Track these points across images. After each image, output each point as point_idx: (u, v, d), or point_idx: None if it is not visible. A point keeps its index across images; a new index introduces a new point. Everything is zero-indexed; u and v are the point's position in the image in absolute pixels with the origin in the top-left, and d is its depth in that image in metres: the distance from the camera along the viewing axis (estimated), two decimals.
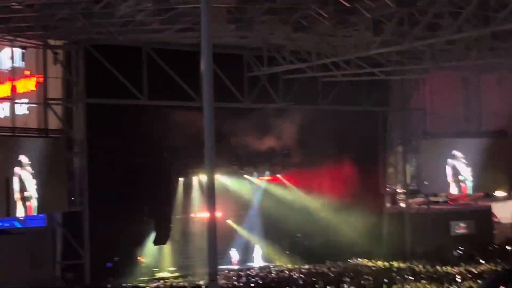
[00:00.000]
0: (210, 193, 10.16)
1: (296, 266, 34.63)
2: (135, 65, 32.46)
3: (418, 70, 34.54)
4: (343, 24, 27.26)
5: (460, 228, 40.66)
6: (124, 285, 30.30)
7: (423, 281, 23.77)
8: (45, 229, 30.74)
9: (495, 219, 42.89)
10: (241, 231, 38.53)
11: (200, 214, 33.92)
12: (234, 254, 36.21)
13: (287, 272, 32.21)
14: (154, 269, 33.99)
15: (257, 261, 36.52)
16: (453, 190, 39.06)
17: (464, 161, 38.75)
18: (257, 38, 33.14)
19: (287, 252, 38.58)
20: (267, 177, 38.52)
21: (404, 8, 24.81)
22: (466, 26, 26.16)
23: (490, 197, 41.75)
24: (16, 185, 28.06)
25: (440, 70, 35.02)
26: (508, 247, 36.51)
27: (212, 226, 10.21)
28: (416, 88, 40.88)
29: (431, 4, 25.27)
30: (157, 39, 30.55)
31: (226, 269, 34.27)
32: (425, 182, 38.27)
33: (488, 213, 41.95)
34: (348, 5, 24.55)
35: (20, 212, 28.73)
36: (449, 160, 38.05)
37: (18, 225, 31.72)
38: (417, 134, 40.33)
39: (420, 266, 31.46)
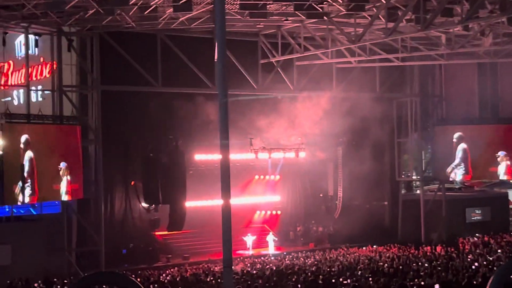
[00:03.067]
0: (224, 177, 10.06)
1: (310, 253, 34.63)
2: (150, 52, 32.47)
3: (434, 56, 34.31)
4: (358, 10, 27.09)
5: (476, 215, 40.53)
6: (139, 272, 30.40)
7: (439, 268, 23.65)
8: (61, 216, 30.86)
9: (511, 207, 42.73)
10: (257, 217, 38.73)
11: (213, 200, 33.93)
12: (249, 240, 36.28)
13: (301, 259, 32.21)
14: (168, 256, 34.09)
15: (271, 247, 36.56)
16: (460, 175, 38.44)
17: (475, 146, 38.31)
18: (271, 25, 33.09)
19: (301, 239, 38.64)
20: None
21: None
22: (481, 12, 25.96)
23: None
24: (31, 172, 28.13)
25: (456, 56, 34.77)
26: None
27: (227, 212, 10.14)
28: (432, 74, 40.65)
29: None
30: (171, 26, 30.49)
31: (241, 254, 34.40)
32: (449, 170, 37.82)
33: (504, 200, 41.76)
34: None
35: (35, 199, 28.86)
36: (462, 145, 37.65)
37: (34, 211, 31.89)
38: (433, 121, 40.13)
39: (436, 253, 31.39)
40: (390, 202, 41.32)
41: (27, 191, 27.87)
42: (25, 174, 27.80)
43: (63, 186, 29.43)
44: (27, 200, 28.24)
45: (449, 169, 37.77)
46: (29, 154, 28.05)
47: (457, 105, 39.96)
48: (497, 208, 40.94)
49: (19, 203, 28.73)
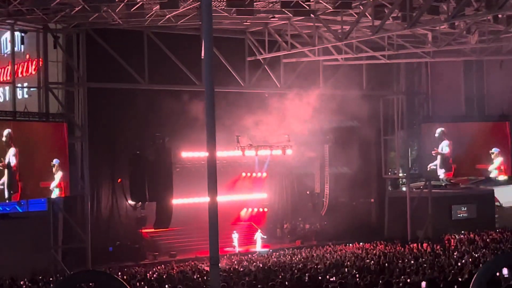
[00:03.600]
0: (211, 174, 10.09)
1: (297, 250, 34.69)
2: (136, 49, 32.40)
3: (420, 54, 34.43)
4: (344, 7, 27.14)
5: (462, 212, 40.70)
6: (125, 269, 30.35)
7: (425, 265, 23.75)
8: (47, 214, 30.75)
9: (497, 204, 42.93)
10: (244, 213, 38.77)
11: (200, 198, 33.89)
12: (236, 238, 36.28)
13: (288, 256, 32.27)
14: (155, 253, 34.05)
15: (258, 245, 36.58)
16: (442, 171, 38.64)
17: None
18: (258, 22, 33.09)
19: (288, 236, 38.70)
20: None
21: None
22: (468, 10, 26.06)
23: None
24: (17, 170, 28.03)
25: (442, 54, 34.89)
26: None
27: (214, 209, 10.15)
28: (418, 72, 40.78)
29: None
30: (158, 23, 30.43)
31: (228, 252, 34.42)
32: (432, 166, 38.05)
33: (490, 197, 41.95)
34: None
35: (17, 197, 28.76)
36: (444, 142, 37.84)
37: (20, 209, 31.74)
38: (419, 118, 40.25)
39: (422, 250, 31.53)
40: (376, 200, 41.45)
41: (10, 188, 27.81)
42: (9, 171, 27.70)
43: (55, 183, 29.33)
44: (7, 196, 28.15)
45: (431, 165, 38.04)
46: (12, 151, 27.92)
47: (443, 102, 40.12)
48: (483, 205, 41.11)
49: (6, 201, 28.66)
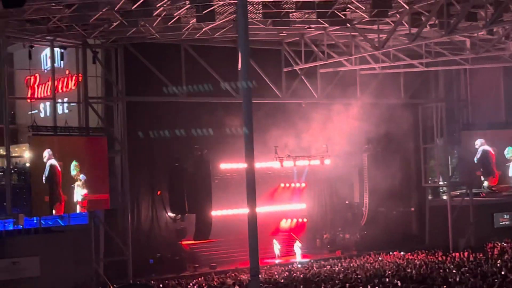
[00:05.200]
0: (250, 185, 10.11)
1: (337, 260, 34.50)
2: (174, 62, 32.65)
3: (459, 61, 34.12)
4: (381, 16, 27.05)
5: (504, 220, 40.13)
6: (166, 281, 30.48)
7: (467, 274, 23.46)
8: (88, 227, 31.07)
9: None
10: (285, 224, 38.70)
11: (239, 209, 33.91)
12: (276, 248, 36.22)
13: (328, 267, 32.10)
14: (195, 265, 34.14)
15: (298, 255, 36.47)
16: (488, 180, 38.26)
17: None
18: (294, 33, 33.14)
19: (328, 246, 38.52)
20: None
21: None
22: (506, 16, 25.80)
23: None
24: (60, 184, 28.38)
25: (480, 60, 34.54)
26: None
27: (253, 220, 10.17)
28: (457, 79, 40.40)
29: None
30: (194, 36, 30.64)
31: (268, 263, 34.37)
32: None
33: None
34: None
35: (63, 210, 29.10)
36: (484, 148, 37.47)
37: (61, 223, 32.14)
38: (459, 125, 39.85)
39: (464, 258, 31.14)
40: (417, 209, 41.07)
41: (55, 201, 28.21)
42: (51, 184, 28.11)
43: (77, 197, 29.38)
44: (54, 211, 28.53)
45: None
46: (51, 162, 28.21)
47: (483, 109, 39.67)
48: None
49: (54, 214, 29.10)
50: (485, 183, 38.29)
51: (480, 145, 37.53)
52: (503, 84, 40.14)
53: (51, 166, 28.16)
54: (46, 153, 28.06)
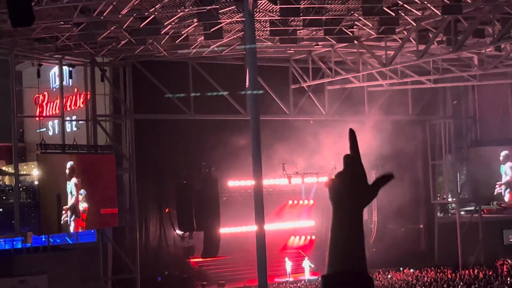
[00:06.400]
0: (258, 203, 10.10)
1: None
2: (182, 80, 32.74)
3: (467, 77, 34.09)
4: (388, 33, 27.09)
5: None
6: None
7: None
8: (96, 245, 31.06)
9: None
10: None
11: (247, 226, 33.83)
12: (288, 265, 36.11)
13: None
14: (203, 283, 34.06)
15: (307, 273, 36.32)
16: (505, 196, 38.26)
17: None
18: (301, 50, 33.20)
19: None
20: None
21: (450, 15, 24.53)
22: None
23: None
24: (68, 202, 28.43)
25: (488, 76, 34.51)
26: None
27: (261, 238, 10.15)
28: (465, 95, 40.35)
29: (477, 11, 24.96)
30: (202, 54, 30.74)
31: (277, 281, 34.23)
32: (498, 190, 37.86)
33: None
34: (393, 15, 24.39)
35: (72, 228, 29.12)
36: (503, 166, 37.49)
37: (70, 240, 32.15)
38: (467, 142, 39.76)
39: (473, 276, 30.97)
40: (426, 225, 40.91)
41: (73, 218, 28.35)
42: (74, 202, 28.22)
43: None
44: (72, 228, 28.63)
45: (497, 188, 37.63)
46: (74, 181, 28.46)
47: (491, 125, 39.57)
48: None
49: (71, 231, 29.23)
50: (507, 199, 38.22)
51: (505, 159, 37.58)
52: (511, 100, 40.05)
53: (76, 184, 28.56)
54: (70, 165, 28.46)
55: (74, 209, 28.52)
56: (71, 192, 28.44)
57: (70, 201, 28.38)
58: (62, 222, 28.09)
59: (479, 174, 37.95)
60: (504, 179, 37.54)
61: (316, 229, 39.47)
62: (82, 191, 29.23)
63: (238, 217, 34.82)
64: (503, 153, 37.63)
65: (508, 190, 37.57)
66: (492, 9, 24.46)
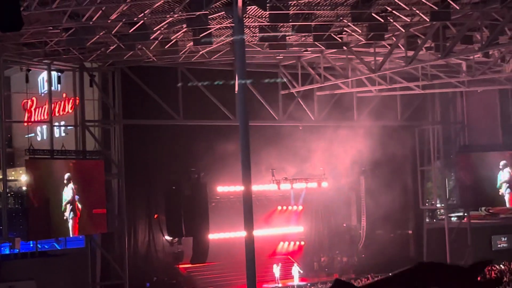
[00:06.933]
0: (247, 208, 10.09)
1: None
2: (170, 85, 32.70)
3: (455, 84, 34.22)
4: (377, 39, 27.15)
5: (502, 242, 40.03)
6: None
7: None
8: (84, 251, 30.93)
9: None
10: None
11: (236, 232, 33.79)
12: (276, 271, 36.07)
13: None
14: None
15: (296, 278, 36.30)
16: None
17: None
18: (291, 56, 33.24)
19: (325, 269, 38.36)
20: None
21: (439, 21, 24.62)
22: (502, 38, 25.92)
23: None
24: (56, 207, 28.33)
25: (477, 83, 34.65)
26: None
27: (250, 243, 10.14)
28: (453, 101, 40.50)
29: (466, 18, 25.06)
30: (191, 59, 30.72)
31: (266, 287, 34.21)
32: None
33: None
34: (382, 21, 24.45)
35: (70, 226, 29.07)
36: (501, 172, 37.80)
37: (58, 246, 32.00)
38: (455, 148, 39.88)
39: None
40: (414, 231, 40.98)
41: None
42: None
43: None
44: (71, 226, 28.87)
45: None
46: (70, 186, 28.62)
47: (479, 131, 39.73)
48: None
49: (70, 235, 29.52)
50: (507, 203, 38.40)
51: (504, 167, 37.80)
52: (499, 106, 40.24)
53: (72, 189, 28.79)
54: (67, 176, 28.72)
55: (73, 208, 28.69)
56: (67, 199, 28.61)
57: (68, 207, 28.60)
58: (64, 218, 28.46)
59: (467, 180, 38.06)
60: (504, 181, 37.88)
61: (305, 235, 39.48)
62: (76, 197, 29.32)
63: (227, 223, 34.79)
64: (502, 162, 37.89)
65: (508, 190, 37.73)
66: (480, 15, 24.57)
